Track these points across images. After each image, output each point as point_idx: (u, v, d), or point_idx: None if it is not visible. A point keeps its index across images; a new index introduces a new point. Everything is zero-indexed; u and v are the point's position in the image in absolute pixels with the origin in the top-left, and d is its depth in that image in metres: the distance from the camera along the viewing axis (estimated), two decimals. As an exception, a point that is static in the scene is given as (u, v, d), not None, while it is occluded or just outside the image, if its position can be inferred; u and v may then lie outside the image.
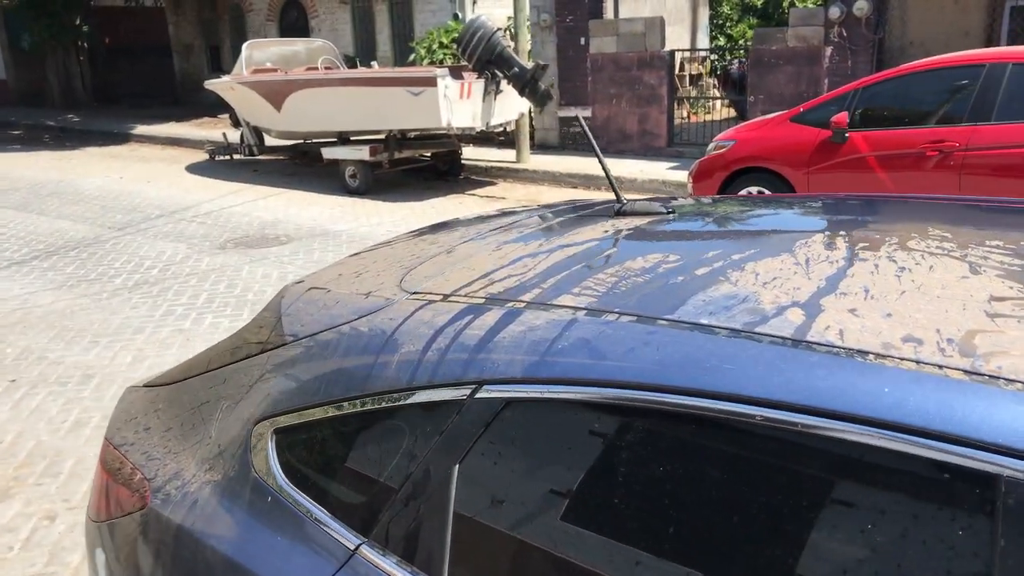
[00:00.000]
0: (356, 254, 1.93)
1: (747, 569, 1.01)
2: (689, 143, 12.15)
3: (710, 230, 1.75)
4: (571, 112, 12.70)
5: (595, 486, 1.18)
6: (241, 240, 8.41)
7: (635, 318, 1.24)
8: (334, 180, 11.36)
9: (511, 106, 10.84)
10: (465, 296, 1.46)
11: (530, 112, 12.12)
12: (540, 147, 12.78)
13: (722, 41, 20.61)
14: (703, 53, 16.56)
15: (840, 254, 1.43)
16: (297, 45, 13.61)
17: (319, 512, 1.44)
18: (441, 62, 14.77)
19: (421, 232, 2.05)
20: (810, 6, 17.76)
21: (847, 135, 7.00)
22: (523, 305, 1.37)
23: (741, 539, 1.03)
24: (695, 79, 17.35)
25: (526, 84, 9.97)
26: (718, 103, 16.45)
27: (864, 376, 1.01)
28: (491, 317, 1.36)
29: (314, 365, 1.52)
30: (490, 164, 12.16)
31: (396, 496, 1.35)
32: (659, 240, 1.66)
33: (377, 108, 10.24)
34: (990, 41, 10.44)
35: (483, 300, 1.42)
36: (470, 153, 12.34)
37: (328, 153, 11.17)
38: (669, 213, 1.82)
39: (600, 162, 1.92)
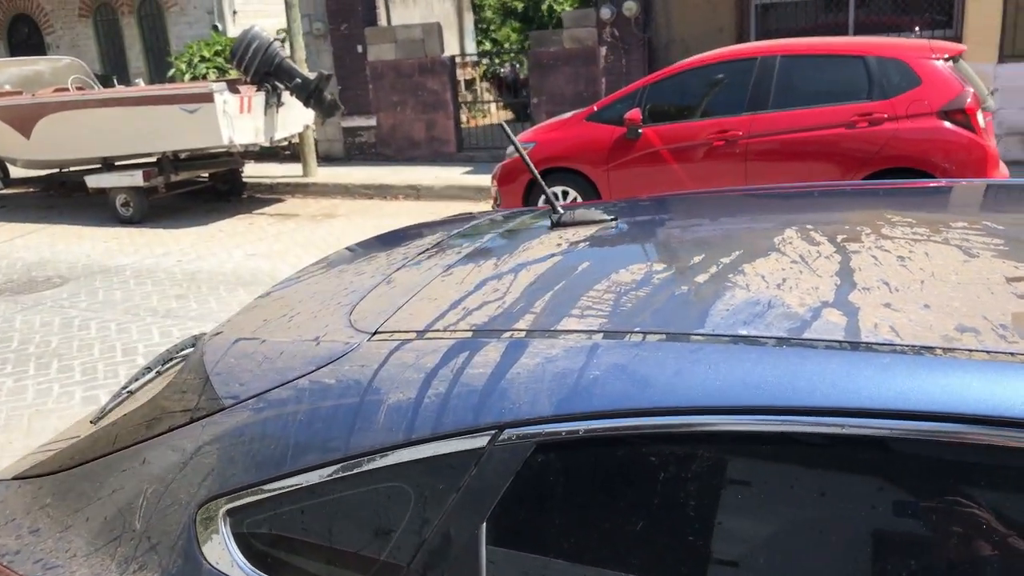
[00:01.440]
0: (266, 295, 1.67)
1: None
2: (478, 147, 12.24)
3: (674, 234, 1.67)
4: (355, 122, 12.38)
5: (659, 527, 1.05)
6: (4, 286, 7.41)
7: (664, 336, 1.13)
8: (102, 210, 10.33)
9: (295, 119, 10.37)
10: (445, 332, 1.28)
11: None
12: (325, 159, 12.36)
13: (488, 45, 21.00)
14: (473, 58, 16.77)
15: (828, 247, 1.40)
16: (39, 64, 12.27)
17: None
18: (204, 76, 13.91)
19: (331, 263, 1.82)
20: (568, 9, 18.55)
21: (640, 131, 7.31)
22: (524, 335, 1.22)
23: None
24: (469, 84, 17.55)
25: (311, 95, 9.61)
26: (493, 107, 16.75)
27: (943, 373, 0.96)
28: (493, 352, 1.19)
29: (270, 429, 1.27)
30: (275, 180, 11.59)
31: (407, 570, 1.15)
32: (630, 249, 1.56)
33: (147, 129, 9.41)
34: (741, 37, 11.35)
35: (471, 334, 1.25)
36: (251, 170, 11.69)
37: (93, 181, 10.12)
38: (613, 219, 1.73)
39: (529, 168, 1.79)
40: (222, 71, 14.00)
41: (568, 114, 8.35)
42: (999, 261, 1.26)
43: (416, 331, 1.31)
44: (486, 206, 9.62)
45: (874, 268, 1.28)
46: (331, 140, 12.69)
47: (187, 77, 14.08)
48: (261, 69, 9.52)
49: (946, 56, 6.71)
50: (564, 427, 1.08)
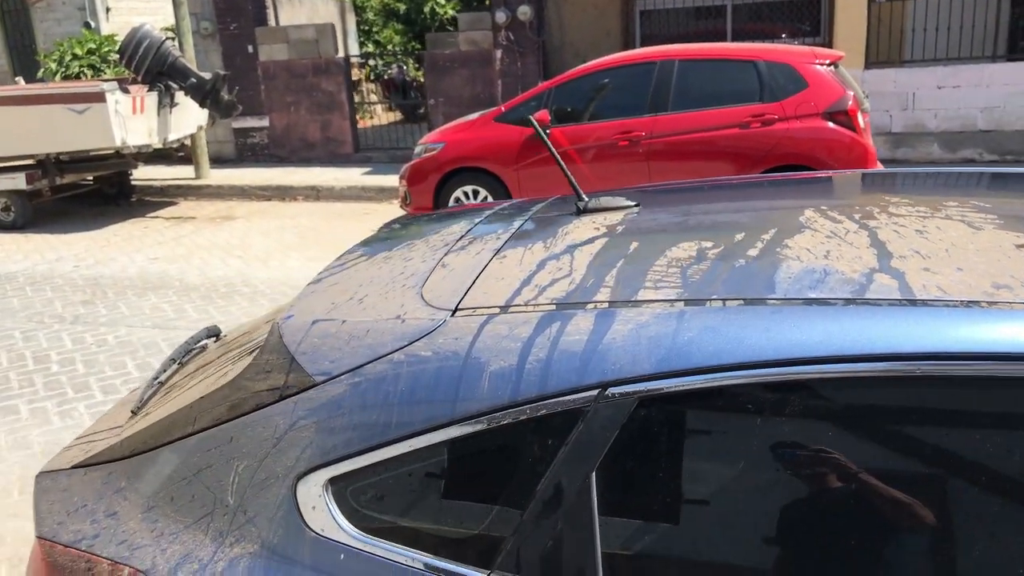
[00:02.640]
0: (317, 281, 1.75)
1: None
2: (375, 148, 12.22)
3: (703, 216, 1.85)
4: (247, 123, 12.13)
5: (754, 471, 1.22)
6: None
7: (742, 302, 1.31)
8: (-22, 215, 9.75)
9: (189, 119, 10.10)
10: (528, 306, 1.41)
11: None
12: (216, 161, 12.06)
13: (371, 47, 20.88)
14: (359, 59, 16.67)
15: (852, 224, 1.60)
16: None
17: (415, 556, 1.32)
18: (77, 76, 13.29)
19: (369, 252, 1.90)
20: (451, 12, 18.69)
21: (548, 131, 7.54)
22: (607, 306, 1.37)
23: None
24: (355, 84, 17.43)
25: (207, 95, 9.40)
26: (379, 107, 16.70)
27: (992, 321, 1.17)
28: (584, 321, 1.34)
29: (370, 400, 1.37)
30: (165, 183, 11.23)
31: (521, 519, 1.28)
32: (670, 229, 1.73)
33: (31, 129, 8.97)
34: (627, 40, 11.81)
35: (554, 307, 1.39)
36: (140, 173, 11.28)
37: (-31, 185, 9.54)
38: (636, 206, 1.89)
39: (557, 161, 1.94)
40: (97, 70, 13.41)
41: (475, 115, 8.50)
42: (1002, 232, 1.50)
43: (499, 306, 1.43)
44: (389, 207, 9.66)
45: (900, 240, 1.49)
46: (222, 141, 12.39)
47: (58, 77, 13.40)
48: (153, 68, 9.24)
49: (828, 62, 7.26)
50: (665, 383, 1.24)
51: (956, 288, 1.26)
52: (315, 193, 10.39)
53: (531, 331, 1.35)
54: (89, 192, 10.73)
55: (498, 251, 1.69)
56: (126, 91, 9.01)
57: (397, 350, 1.41)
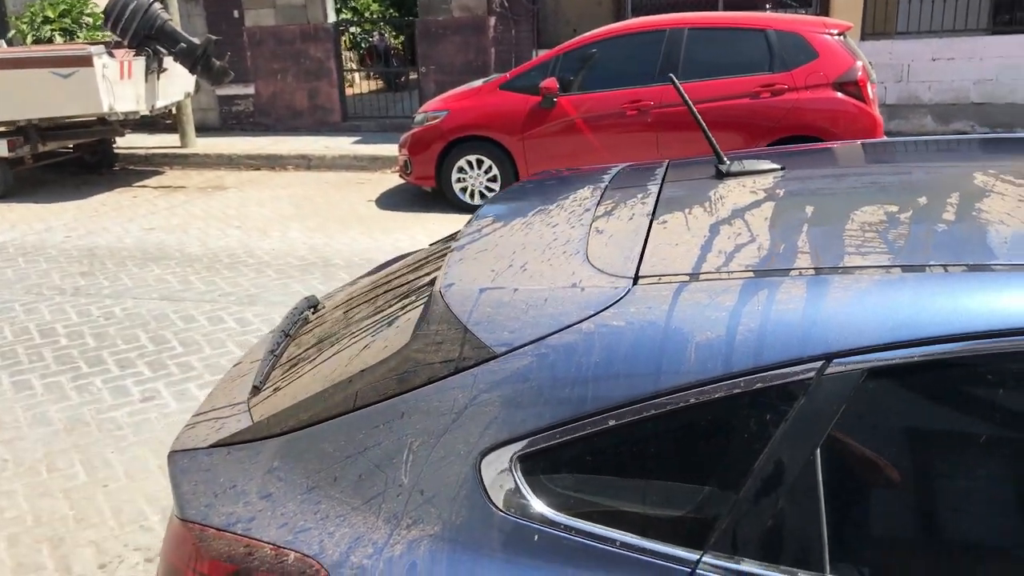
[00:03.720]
0: (461, 248, 1.65)
1: None
2: (364, 116, 12.00)
3: (865, 179, 1.78)
4: (232, 90, 11.84)
5: (1009, 452, 1.17)
6: None
7: (965, 268, 1.24)
8: (-44, 184, 9.41)
9: (177, 86, 9.81)
10: (721, 274, 1.34)
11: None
12: (199, 129, 11.73)
13: (348, 14, 20.47)
14: (342, 26, 16.28)
15: (1016, 187, 1.54)
16: None
17: (619, 537, 1.25)
18: (49, 39, 12.84)
19: (502, 218, 1.79)
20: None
21: (555, 100, 7.43)
22: (813, 272, 1.29)
23: None
24: (336, 52, 17.07)
25: (197, 60, 9.14)
26: (356, 76, 16.38)
27: None
28: (796, 289, 1.26)
29: (561, 372, 1.29)
30: (150, 151, 10.93)
31: (737, 497, 1.22)
32: (836, 193, 1.66)
33: (11, 94, 8.64)
34: (619, 10, 11.69)
35: (752, 274, 1.32)
36: (122, 141, 10.95)
37: (-54, 152, 9.18)
38: (781, 168, 1.82)
39: (697, 121, 1.85)
40: (70, 34, 12.97)
41: (479, 82, 8.36)
42: None
43: (687, 274, 1.36)
44: (383, 176, 9.50)
45: None
46: (205, 109, 12.08)
47: (29, 39, 12.94)
48: (140, 32, 8.94)
49: (837, 31, 7.22)
50: (896, 354, 1.17)
51: None
52: (306, 162, 10.18)
53: (736, 300, 1.28)
54: (68, 161, 10.40)
55: (654, 216, 1.61)
56: (112, 55, 8.71)
57: (584, 319, 1.33)
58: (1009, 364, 1.16)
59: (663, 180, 1.86)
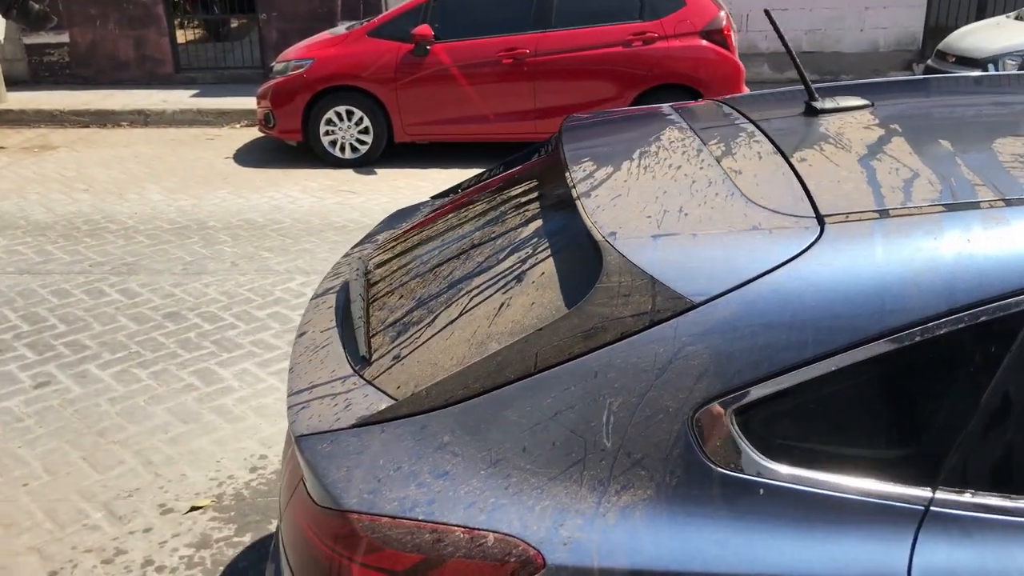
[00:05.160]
0: (589, 195, 1.52)
1: None
2: (199, 68, 11.13)
3: (962, 112, 1.80)
4: (42, 39, 10.62)
5: None
6: None
7: None
8: None
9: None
10: (912, 208, 1.31)
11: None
12: (6, 82, 10.47)
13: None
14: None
15: None
16: None
17: (847, 483, 1.22)
18: None
19: (599, 161, 1.67)
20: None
21: (429, 48, 7.20)
22: (1003, 204, 1.29)
23: None
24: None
25: (13, 4, 8.11)
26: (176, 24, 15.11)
27: None
28: (997, 220, 1.26)
29: (775, 319, 1.23)
30: (-50, 108, 9.63)
31: (967, 430, 1.22)
32: (953, 125, 1.67)
33: None
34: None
35: (944, 209, 1.30)
36: (-87, 97, 9.59)
37: None
38: (871, 104, 1.81)
39: (789, 53, 1.79)
40: None
41: (342, 28, 7.97)
42: None
43: (875, 211, 1.33)
44: (233, 132, 8.91)
45: None
46: (11, 60, 10.78)
47: None
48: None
49: (696, -19, 7.40)
50: None
51: None
52: (142, 118, 9.34)
53: (943, 234, 1.26)
54: None
55: (784, 155, 1.56)
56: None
57: (786, 263, 1.27)
58: None
59: (748, 119, 1.81)
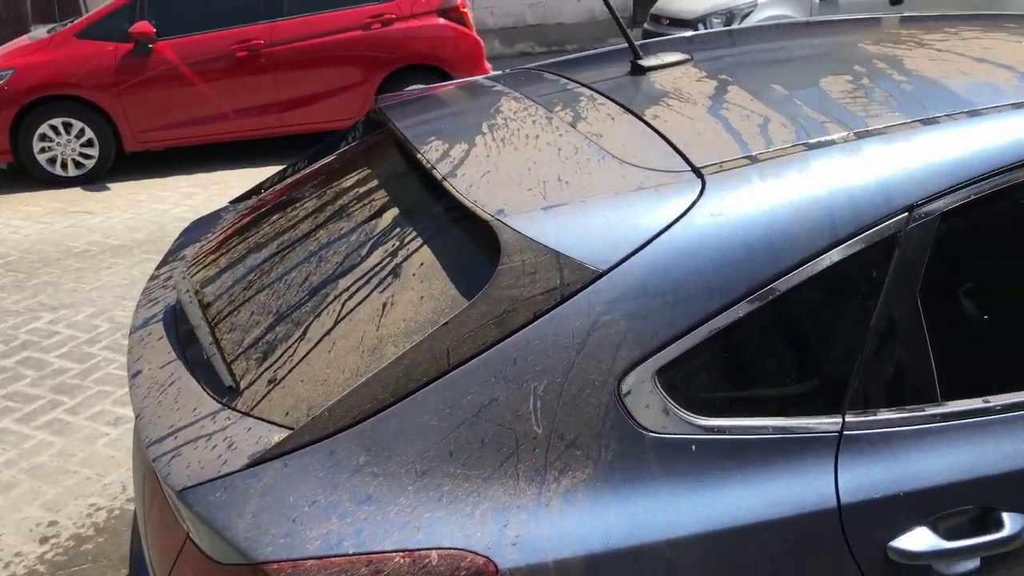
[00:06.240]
0: (455, 175, 1.41)
1: None
2: None
3: (779, 55, 1.87)
4: None
5: None
6: None
7: (966, 114, 1.40)
8: None
9: None
10: (776, 151, 1.35)
11: None
12: None
13: None
14: None
15: (920, 48, 1.75)
16: None
17: (770, 422, 1.25)
18: None
19: (446, 140, 1.55)
20: None
21: (151, 46, 6.62)
22: (855, 137, 1.35)
23: None
24: None
25: None
26: None
27: None
28: (853, 153, 1.31)
29: (679, 275, 1.21)
30: None
31: (861, 357, 1.28)
32: (777, 68, 1.73)
33: None
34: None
35: (805, 147, 1.35)
36: None
37: None
38: (691, 59, 1.83)
39: (613, 15, 1.75)
40: None
41: (43, 32, 7.10)
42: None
43: (744, 157, 1.35)
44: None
45: (996, 52, 1.67)
46: None
47: None
48: None
49: (428, -40, 7.39)
50: (961, 194, 1.31)
51: None
52: None
53: (814, 171, 1.31)
54: None
55: (633, 112, 1.55)
56: None
57: (680, 217, 1.26)
58: None
59: (579, 83, 1.79)
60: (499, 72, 2.07)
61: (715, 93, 1.60)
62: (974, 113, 1.40)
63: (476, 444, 1.17)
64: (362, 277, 1.41)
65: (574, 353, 1.19)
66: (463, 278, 1.31)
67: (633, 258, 1.23)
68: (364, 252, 1.47)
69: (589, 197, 1.31)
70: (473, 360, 1.18)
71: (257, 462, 1.17)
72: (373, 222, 1.55)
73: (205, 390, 1.36)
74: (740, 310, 1.23)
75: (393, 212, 1.54)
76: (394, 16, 7.08)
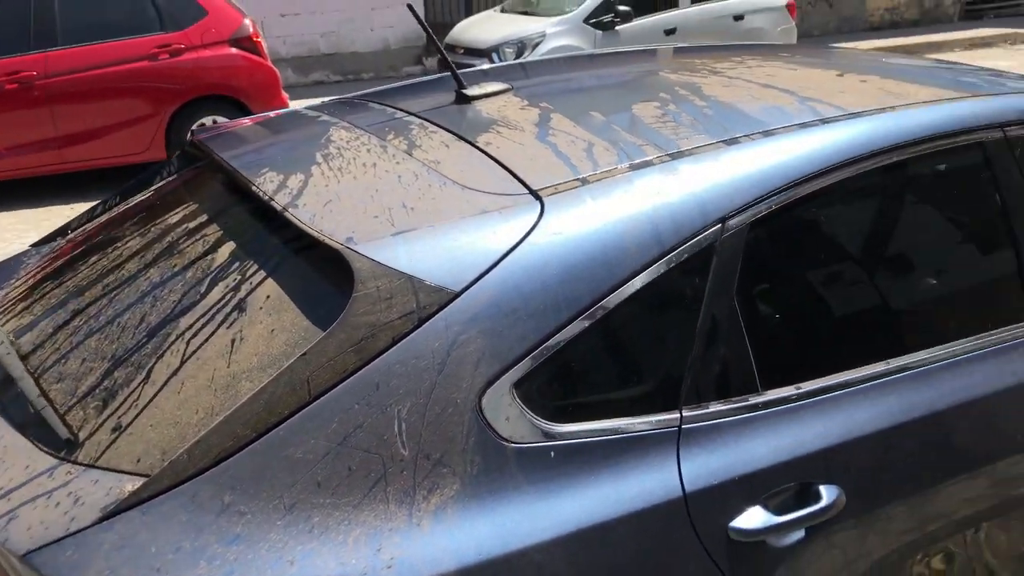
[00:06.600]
0: (296, 207, 1.39)
1: None
2: None
3: (592, 83, 1.97)
4: None
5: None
6: None
7: (761, 134, 1.58)
8: None
9: None
10: (603, 173, 1.44)
11: None
12: None
13: None
14: None
15: (714, 76, 1.92)
16: None
17: (618, 423, 1.33)
18: None
19: (274, 170, 1.52)
20: None
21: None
22: (669, 159, 1.47)
23: None
24: None
25: None
26: None
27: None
28: (668, 174, 1.43)
29: (528, 291, 1.27)
30: None
31: (689, 357, 1.40)
32: (598, 94, 1.84)
33: None
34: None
35: (628, 167, 1.46)
36: None
37: None
38: (510, 88, 1.90)
39: (436, 46, 1.78)
40: None
41: None
42: (817, 69, 2.02)
43: (576, 179, 1.43)
44: None
45: (778, 78, 1.88)
46: None
47: None
48: None
49: (219, -13, 7.17)
50: (766, 204, 1.47)
51: (850, 100, 1.74)
52: None
53: (637, 192, 1.42)
54: None
55: (466, 139, 1.61)
56: None
57: (524, 238, 1.33)
58: (839, 190, 1.56)
59: (407, 112, 1.82)
60: (321, 101, 2.07)
61: (540, 120, 1.69)
62: (768, 133, 1.58)
63: (343, 472, 1.17)
64: (205, 314, 1.37)
65: (435, 374, 1.22)
66: (314, 309, 1.31)
67: (485, 278, 1.28)
68: (203, 289, 1.43)
69: (436, 222, 1.35)
70: (334, 389, 1.19)
71: (111, 514, 1.11)
72: (209, 257, 1.51)
73: (37, 446, 1.27)
74: (585, 320, 1.31)
75: (230, 246, 1.51)
76: (183, 46, 6.80)
